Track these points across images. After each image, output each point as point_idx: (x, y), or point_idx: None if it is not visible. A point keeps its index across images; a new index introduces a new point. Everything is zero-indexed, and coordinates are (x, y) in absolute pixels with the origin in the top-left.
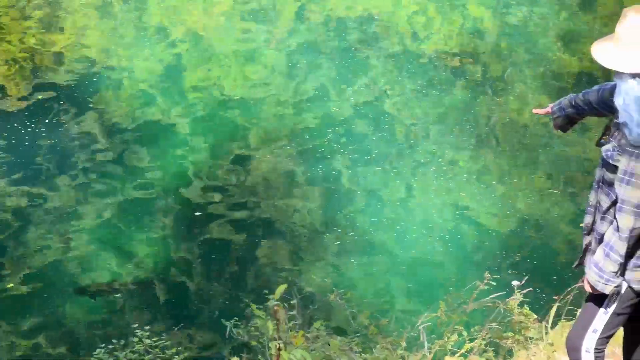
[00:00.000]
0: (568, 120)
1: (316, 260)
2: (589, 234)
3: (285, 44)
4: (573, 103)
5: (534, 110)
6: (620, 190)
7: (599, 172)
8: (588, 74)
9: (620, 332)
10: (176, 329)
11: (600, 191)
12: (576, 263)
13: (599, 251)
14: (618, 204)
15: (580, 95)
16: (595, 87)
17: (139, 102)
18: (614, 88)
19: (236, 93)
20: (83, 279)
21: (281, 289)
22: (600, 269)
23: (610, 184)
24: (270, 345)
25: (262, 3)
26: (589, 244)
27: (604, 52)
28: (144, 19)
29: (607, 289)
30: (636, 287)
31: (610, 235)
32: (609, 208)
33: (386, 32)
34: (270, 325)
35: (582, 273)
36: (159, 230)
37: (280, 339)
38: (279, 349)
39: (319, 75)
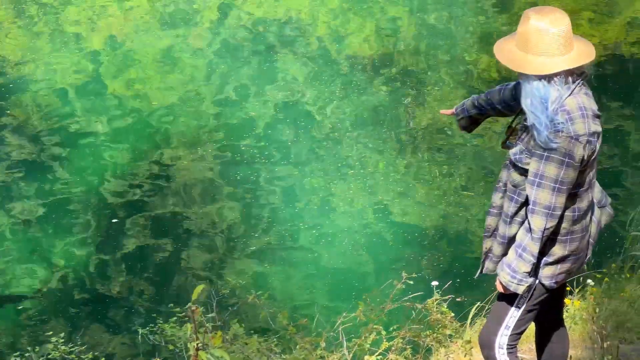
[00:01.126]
0: (472, 121)
1: (236, 263)
2: (490, 236)
3: (204, 47)
4: (476, 104)
5: (441, 112)
6: (532, 192)
7: (504, 175)
8: (506, 74)
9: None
10: (93, 334)
11: (506, 195)
12: (478, 272)
13: (511, 252)
14: (530, 206)
15: (482, 95)
16: (497, 87)
17: (58, 108)
18: (515, 88)
19: (156, 98)
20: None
21: (198, 289)
22: (514, 270)
23: (516, 187)
24: (188, 346)
25: (181, 7)
26: (490, 248)
27: (507, 54)
28: (62, 25)
29: (520, 289)
30: (547, 283)
31: (522, 236)
32: (516, 211)
33: (305, 34)
34: (189, 326)
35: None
36: (77, 236)
37: (198, 339)
38: (197, 349)
39: (239, 79)
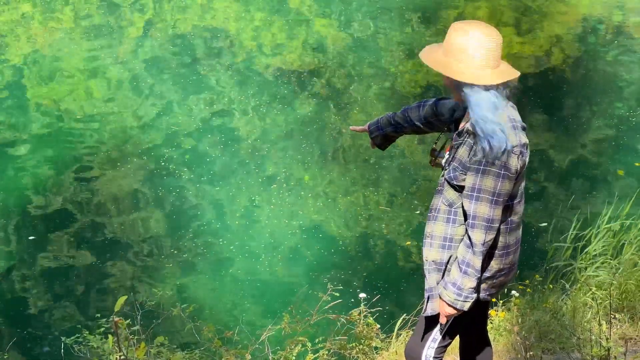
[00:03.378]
0: (386, 139)
1: (161, 275)
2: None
3: (129, 60)
4: (392, 121)
5: (351, 128)
6: (471, 207)
7: (435, 202)
8: (429, 87)
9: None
10: (18, 347)
11: (438, 219)
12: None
13: (454, 270)
14: (470, 220)
15: (399, 113)
16: (415, 104)
17: None
18: (435, 104)
19: (80, 111)
20: None
21: (121, 300)
22: (459, 288)
23: (451, 206)
24: (111, 358)
25: (107, 19)
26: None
27: (448, 67)
28: None
29: (466, 306)
30: (482, 295)
31: (463, 252)
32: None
33: (231, 47)
34: (111, 338)
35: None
36: (1, 249)
37: (120, 351)
38: None
39: (164, 92)
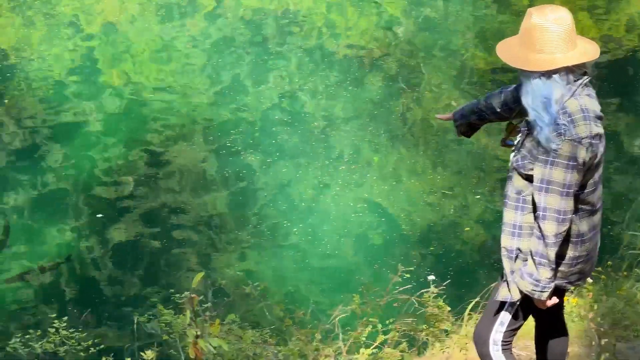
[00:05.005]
0: (471, 127)
1: (229, 255)
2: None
3: (200, 38)
4: (475, 109)
5: (437, 116)
6: (541, 198)
7: (507, 188)
8: (502, 71)
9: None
10: (91, 321)
11: (508, 206)
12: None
13: (530, 262)
14: (540, 212)
15: (482, 100)
16: (497, 90)
17: (51, 96)
18: (516, 89)
19: (150, 88)
20: None
21: (198, 277)
22: (536, 279)
23: (519, 193)
24: (187, 333)
25: None
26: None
27: (509, 51)
28: (57, 12)
29: (544, 296)
30: (559, 283)
31: (536, 245)
32: (525, 222)
33: (302, 27)
34: (188, 313)
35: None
36: (71, 224)
37: (197, 327)
38: (197, 337)
39: (234, 70)
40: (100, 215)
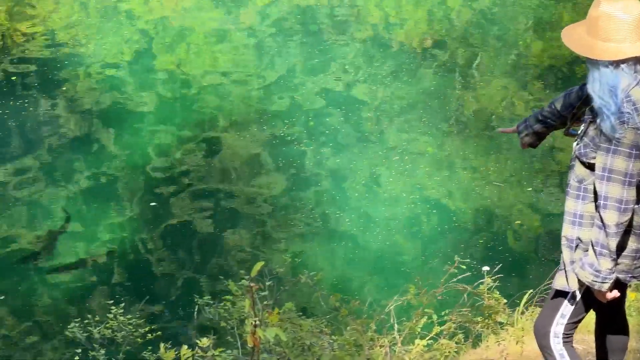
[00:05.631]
0: (537, 136)
1: (283, 243)
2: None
3: (255, 27)
4: (539, 117)
5: (500, 130)
6: (602, 187)
7: (569, 177)
8: (558, 61)
9: (591, 319)
10: (148, 308)
11: (570, 194)
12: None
13: (591, 252)
14: (601, 202)
15: (546, 107)
16: (561, 94)
17: (107, 84)
18: (580, 89)
19: (205, 76)
20: (50, 258)
21: (258, 266)
22: (597, 269)
23: (581, 182)
24: (246, 322)
25: None
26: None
27: (576, 39)
28: (112, 1)
29: (605, 287)
30: (622, 277)
31: (596, 234)
32: (586, 211)
33: (357, 17)
34: (248, 302)
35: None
36: (126, 211)
37: (255, 316)
38: (255, 326)
39: (288, 60)
40: (154, 204)
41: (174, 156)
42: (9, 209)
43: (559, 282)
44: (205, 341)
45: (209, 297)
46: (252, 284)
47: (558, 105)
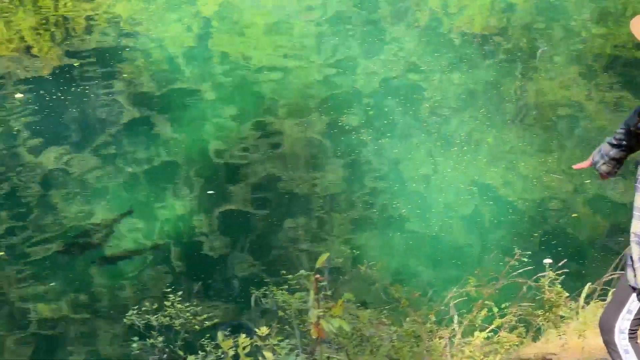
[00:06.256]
0: (614, 163)
1: (341, 233)
2: None
3: (315, 15)
4: (613, 142)
5: (575, 167)
6: None
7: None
8: (622, 52)
9: None
10: (206, 296)
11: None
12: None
13: None
14: None
15: (618, 130)
16: (631, 113)
17: (167, 70)
18: None
19: (264, 63)
20: (109, 244)
21: (323, 258)
22: None
23: None
24: (310, 314)
25: None
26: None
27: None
28: None
29: None
30: None
31: None
32: None
33: (417, 6)
34: (312, 294)
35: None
36: (184, 198)
37: (319, 307)
38: (319, 317)
39: (348, 48)
40: (211, 192)
41: (233, 143)
42: (68, 195)
43: (628, 277)
44: (263, 330)
45: (267, 285)
46: (317, 276)
47: (630, 122)
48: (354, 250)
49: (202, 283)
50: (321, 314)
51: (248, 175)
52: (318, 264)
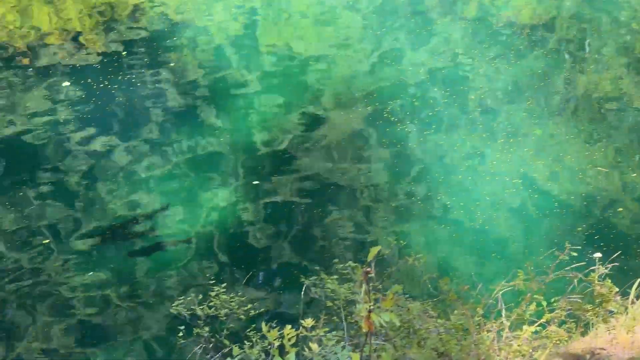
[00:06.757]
0: None
1: (387, 224)
2: None
3: (361, 5)
4: None
5: None
6: None
7: None
8: None
9: None
10: (251, 286)
11: None
12: None
13: None
14: None
15: None
16: None
17: (214, 58)
18: None
19: (310, 53)
20: (153, 234)
21: (374, 251)
22: None
23: None
24: (360, 307)
25: None
26: None
27: None
28: None
29: None
30: None
31: None
32: None
33: None
34: (363, 287)
35: None
36: (229, 188)
37: (370, 300)
38: (370, 311)
39: (394, 39)
40: (256, 182)
41: (278, 133)
42: (114, 184)
43: None
44: (309, 321)
45: (314, 276)
46: (368, 269)
47: None
48: (400, 241)
49: (248, 273)
50: (371, 307)
51: (293, 165)
52: (370, 257)
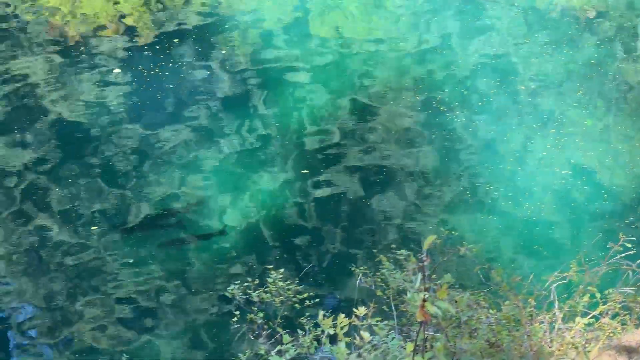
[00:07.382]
0: None
1: (436, 214)
2: None
3: None
4: None
5: None
6: None
7: None
8: None
9: None
10: (306, 275)
11: None
12: None
13: None
14: None
15: None
16: None
17: (263, 46)
18: None
19: (360, 43)
20: (205, 220)
21: (430, 240)
22: None
23: None
24: (415, 296)
25: None
26: None
27: None
28: None
29: None
30: None
31: None
32: None
33: None
34: (419, 277)
35: None
36: (280, 176)
37: (426, 290)
38: (424, 300)
39: (445, 27)
40: (305, 171)
41: (327, 122)
42: (163, 172)
43: None
44: (362, 310)
45: (365, 266)
46: (424, 258)
47: None
48: (451, 231)
49: (302, 262)
50: (427, 297)
51: (343, 154)
52: (425, 246)
